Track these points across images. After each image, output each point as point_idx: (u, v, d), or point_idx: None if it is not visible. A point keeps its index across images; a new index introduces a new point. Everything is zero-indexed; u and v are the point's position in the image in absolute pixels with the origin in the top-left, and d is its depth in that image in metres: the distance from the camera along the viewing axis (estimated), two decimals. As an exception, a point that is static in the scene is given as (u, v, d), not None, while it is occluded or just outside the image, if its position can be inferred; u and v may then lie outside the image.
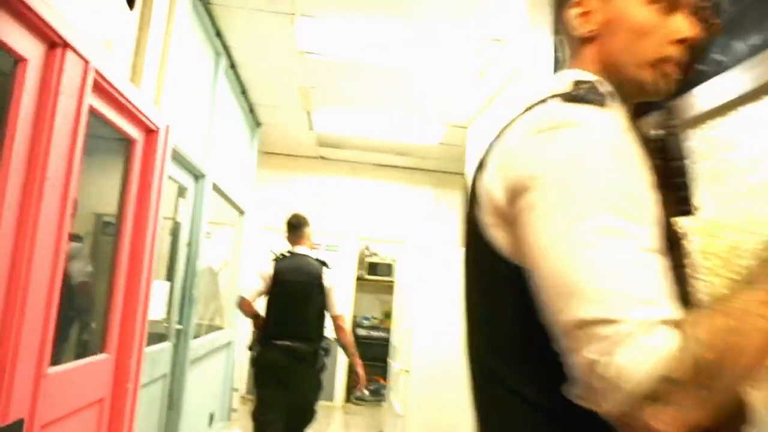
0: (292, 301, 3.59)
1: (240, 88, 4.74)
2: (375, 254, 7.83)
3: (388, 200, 7.21)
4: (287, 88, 4.80)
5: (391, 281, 7.49)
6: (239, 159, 5.21)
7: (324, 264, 3.76)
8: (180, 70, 3.08)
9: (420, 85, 4.47)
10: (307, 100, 5.03)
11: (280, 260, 3.71)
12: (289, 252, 3.78)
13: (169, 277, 3.45)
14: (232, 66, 4.29)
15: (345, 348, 3.71)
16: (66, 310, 2.62)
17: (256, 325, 3.71)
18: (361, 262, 7.50)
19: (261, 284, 3.63)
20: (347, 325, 3.76)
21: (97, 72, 1.98)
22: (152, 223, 2.66)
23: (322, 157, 7.13)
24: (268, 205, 6.64)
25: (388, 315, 7.69)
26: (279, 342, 3.51)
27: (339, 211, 6.99)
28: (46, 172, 1.71)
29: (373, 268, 7.71)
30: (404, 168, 7.20)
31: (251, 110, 5.35)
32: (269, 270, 3.65)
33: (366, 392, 6.70)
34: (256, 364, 3.62)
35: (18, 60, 1.64)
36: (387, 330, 7.34)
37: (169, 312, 3.40)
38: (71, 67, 1.82)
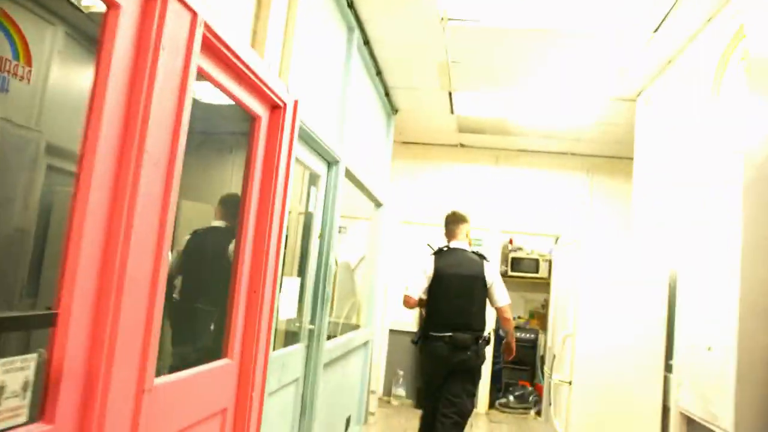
0: (456, 296, 3.60)
1: (375, 68, 4.39)
2: (519, 248, 7.20)
3: (535, 190, 6.60)
4: (426, 65, 4.38)
5: (538, 278, 6.86)
6: (375, 146, 4.87)
7: (483, 258, 3.78)
8: (308, 42, 2.76)
9: (577, 50, 3.85)
10: (446, 78, 4.58)
11: (439, 255, 3.73)
12: (446, 247, 3.79)
13: (301, 273, 3.16)
14: (366, 42, 3.93)
15: (507, 333, 3.83)
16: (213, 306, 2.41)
17: (423, 313, 3.80)
18: (503, 257, 6.91)
19: (424, 281, 3.66)
20: (510, 314, 3.81)
21: (207, 27, 1.66)
22: (279, 209, 2.34)
23: (462, 145, 6.67)
24: (404, 198, 6.30)
25: (533, 315, 7.10)
26: (442, 334, 3.56)
27: (480, 202, 6.46)
28: (144, 146, 1.40)
29: (516, 263, 7.09)
30: (553, 153, 6.55)
31: (387, 94, 4.99)
32: (431, 265, 3.68)
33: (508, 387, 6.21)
34: (422, 353, 3.74)
35: (109, 5, 1.34)
36: (533, 331, 6.78)
37: (300, 311, 3.10)
38: (174, 17, 1.50)
